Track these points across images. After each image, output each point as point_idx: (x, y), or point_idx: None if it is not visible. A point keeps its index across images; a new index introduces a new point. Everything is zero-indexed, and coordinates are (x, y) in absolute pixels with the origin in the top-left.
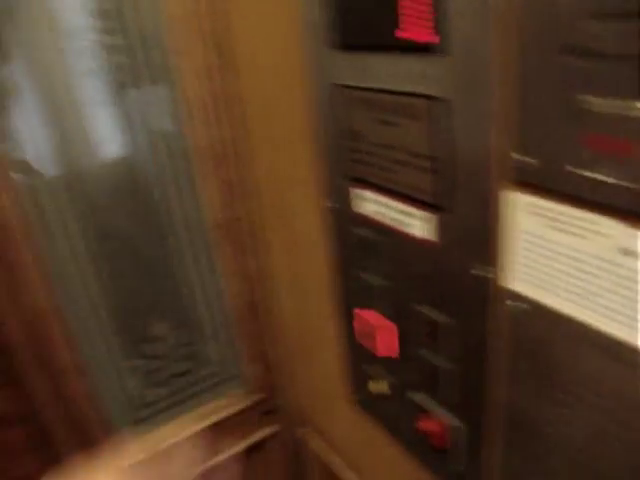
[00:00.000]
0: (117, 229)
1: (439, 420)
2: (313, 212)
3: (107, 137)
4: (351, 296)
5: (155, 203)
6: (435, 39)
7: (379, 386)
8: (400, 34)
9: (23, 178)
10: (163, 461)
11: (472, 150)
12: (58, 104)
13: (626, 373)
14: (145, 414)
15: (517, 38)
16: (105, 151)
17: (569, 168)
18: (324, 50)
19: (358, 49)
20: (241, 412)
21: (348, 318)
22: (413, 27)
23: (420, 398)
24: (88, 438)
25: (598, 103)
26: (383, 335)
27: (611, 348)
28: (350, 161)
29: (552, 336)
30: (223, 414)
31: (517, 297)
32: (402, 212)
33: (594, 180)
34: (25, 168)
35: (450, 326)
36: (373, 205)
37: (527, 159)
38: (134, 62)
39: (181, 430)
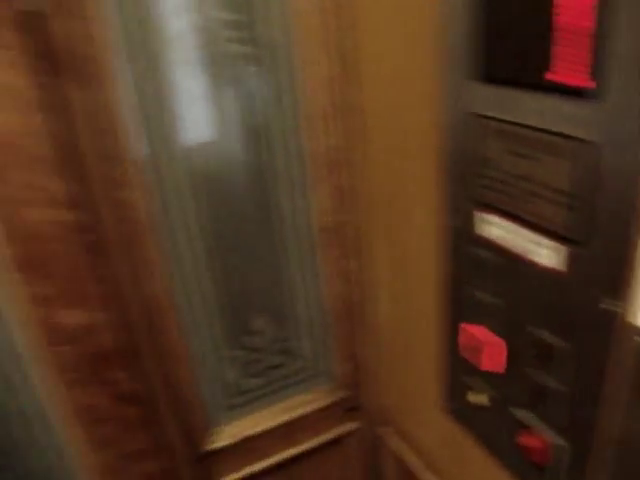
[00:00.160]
0: (231, 228)
1: (542, 437)
2: (428, 227)
3: (233, 141)
4: (459, 310)
5: (268, 205)
6: (591, 84)
7: (478, 398)
8: (551, 77)
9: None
10: None
11: (617, 194)
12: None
13: None
14: (239, 401)
15: None
16: (230, 156)
17: None
18: (464, 79)
19: (501, 83)
20: (326, 407)
21: (453, 330)
22: (566, 71)
23: (522, 414)
24: (187, 421)
25: None
26: (491, 350)
27: None
28: (478, 186)
29: None
30: (309, 408)
31: None
32: (529, 240)
33: None
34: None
35: (566, 350)
36: (497, 229)
37: None
38: (260, 69)
39: (269, 419)
